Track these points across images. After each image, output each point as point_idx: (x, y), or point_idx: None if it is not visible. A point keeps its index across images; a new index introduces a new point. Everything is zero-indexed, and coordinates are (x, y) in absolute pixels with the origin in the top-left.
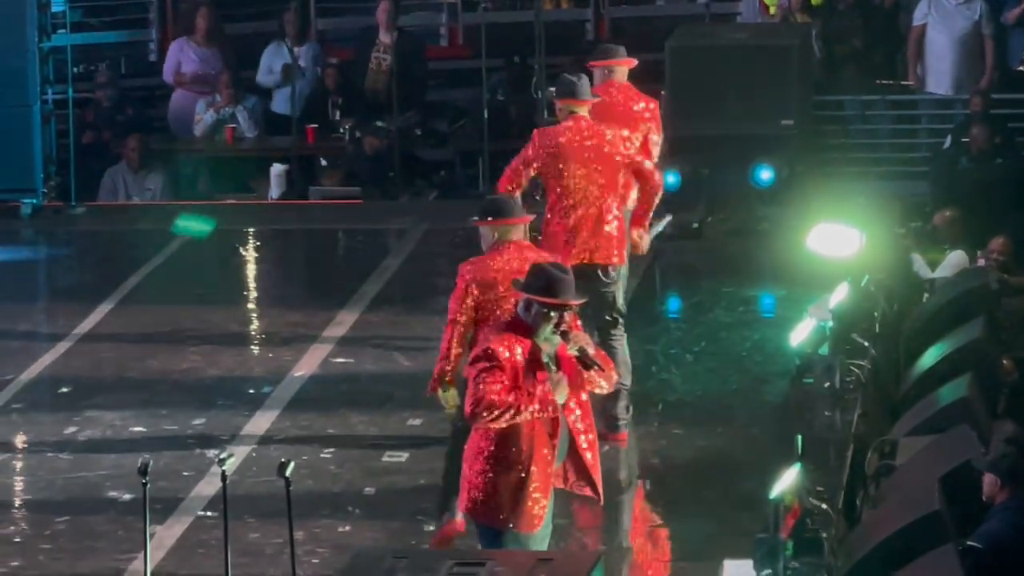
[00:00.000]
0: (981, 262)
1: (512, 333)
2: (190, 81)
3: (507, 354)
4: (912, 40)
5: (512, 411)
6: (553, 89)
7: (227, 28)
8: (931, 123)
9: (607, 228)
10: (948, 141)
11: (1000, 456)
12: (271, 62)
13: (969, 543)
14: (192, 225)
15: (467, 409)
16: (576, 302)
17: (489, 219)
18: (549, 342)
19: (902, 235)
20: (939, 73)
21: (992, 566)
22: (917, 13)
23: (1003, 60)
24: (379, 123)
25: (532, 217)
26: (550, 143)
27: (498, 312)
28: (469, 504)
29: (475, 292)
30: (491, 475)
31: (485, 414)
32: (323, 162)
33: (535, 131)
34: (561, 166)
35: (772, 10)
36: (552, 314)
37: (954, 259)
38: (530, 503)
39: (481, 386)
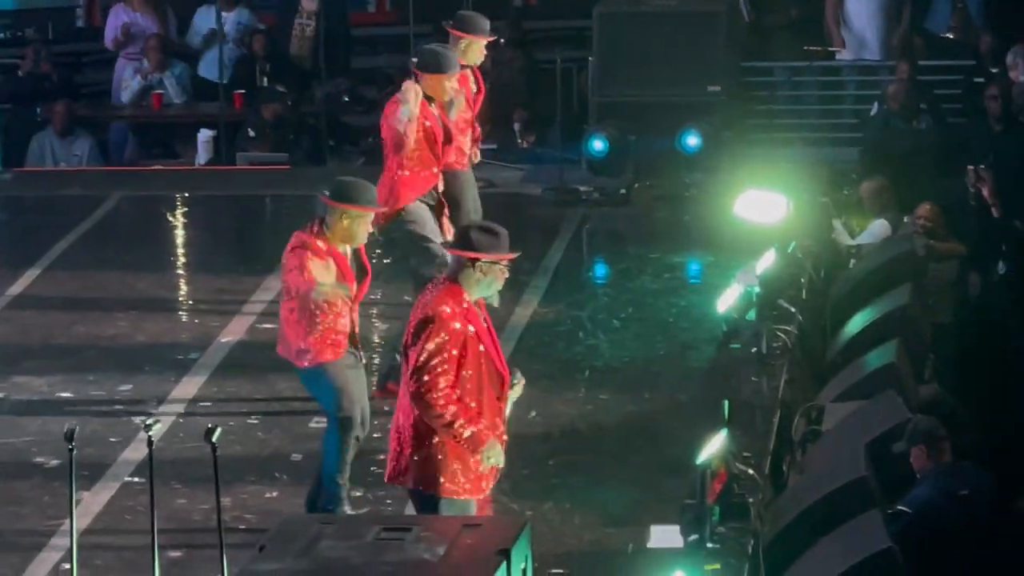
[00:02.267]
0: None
1: (454, 300)
2: (130, 46)
3: (458, 325)
4: (830, 6)
5: (456, 426)
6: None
7: None
8: (858, 89)
9: None
10: (875, 108)
11: (917, 423)
12: (201, 27)
13: (898, 507)
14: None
15: (418, 391)
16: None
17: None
18: (489, 296)
19: (827, 203)
20: (866, 38)
21: (921, 531)
22: None
23: (929, 26)
24: (279, 88)
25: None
26: None
27: None
28: (406, 472)
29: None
30: (435, 440)
31: (434, 412)
32: (251, 132)
33: None
34: None
35: None
36: (503, 271)
37: (876, 228)
38: (473, 466)
39: (440, 380)
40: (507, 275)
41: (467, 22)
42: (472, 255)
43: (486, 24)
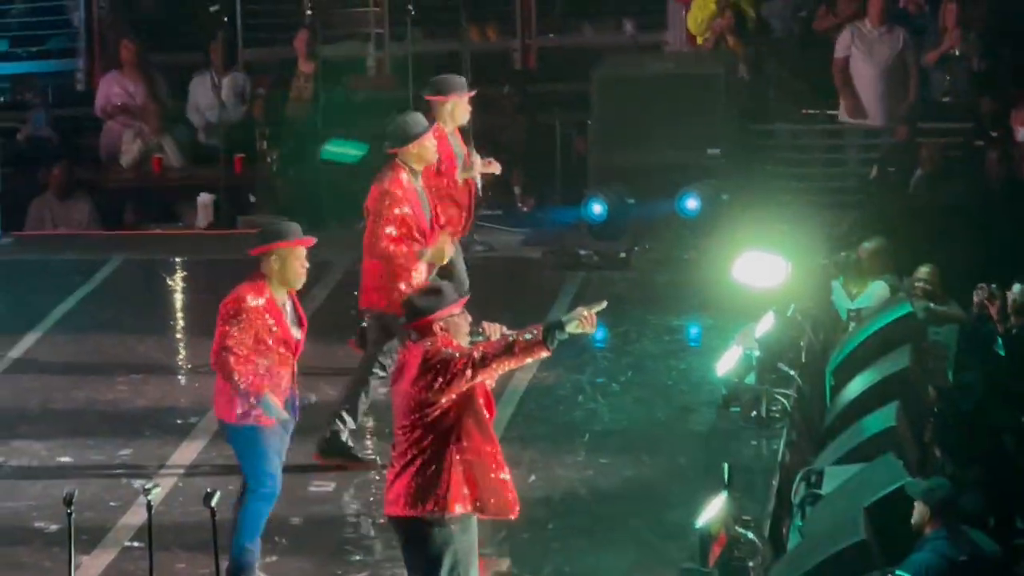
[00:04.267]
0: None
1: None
2: (119, 113)
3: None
4: (836, 72)
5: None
6: None
7: (156, 58)
8: (858, 153)
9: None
10: (874, 171)
11: (934, 487)
12: (197, 93)
13: (898, 572)
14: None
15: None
16: (465, 297)
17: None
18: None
19: (827, 265)
20: (866, 103)
21: None
22: (839, 45)
23: (926, 90)
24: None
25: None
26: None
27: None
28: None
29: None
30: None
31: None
32: (251, 198)
33: None
34: None
35: (700, 40)
36: (464, 316)
37: (876, 290)
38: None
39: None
40: (469, 320)
41: (445, 84)
42: (424, 320)
43: (463, 81)
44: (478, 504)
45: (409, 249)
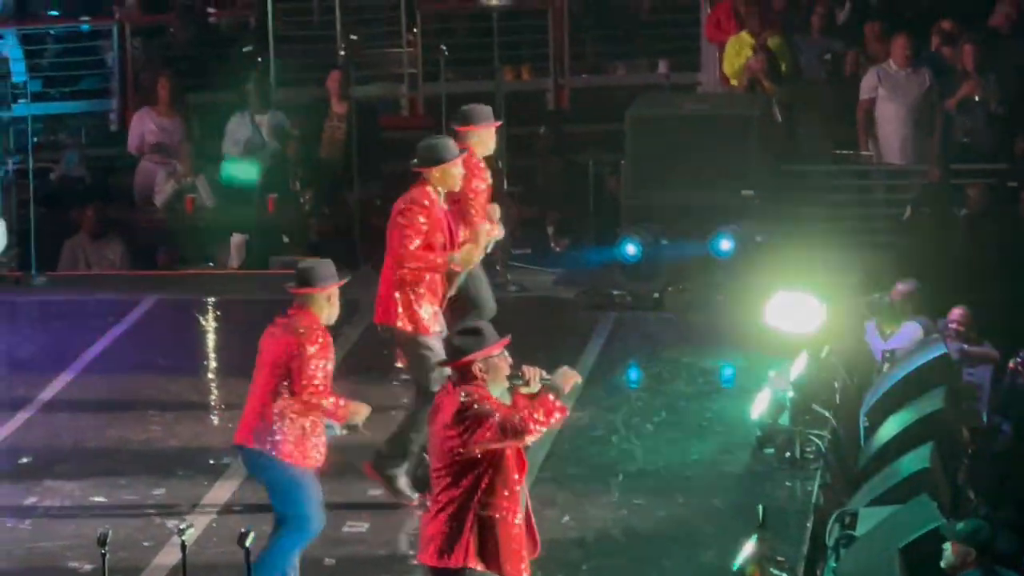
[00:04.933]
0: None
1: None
2: (152, 151)
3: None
4: (861, 113)
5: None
6: None
7: (189, 98)
8: (890, 194)
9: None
10: (908, 211)
11: (978, 528)
12: (235, 132)
13: None
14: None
15: (526, 425)
16: (505, 339)
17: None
18: (509, 390)
19: (861, 306)
20: (895, 143)
21: None
22: (864, 87)
23: (950, 132)
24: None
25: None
26: None
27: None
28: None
29: None
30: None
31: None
32: (284, 238)
33: None
34: None
35: (733, 80)
36: (505, 359)
37: (909, 330)
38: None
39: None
40: (509, 362)
41: (473, 114)
42: (463, 361)
43: (490, 111)
44: (494, 566)
45: (436, 254)
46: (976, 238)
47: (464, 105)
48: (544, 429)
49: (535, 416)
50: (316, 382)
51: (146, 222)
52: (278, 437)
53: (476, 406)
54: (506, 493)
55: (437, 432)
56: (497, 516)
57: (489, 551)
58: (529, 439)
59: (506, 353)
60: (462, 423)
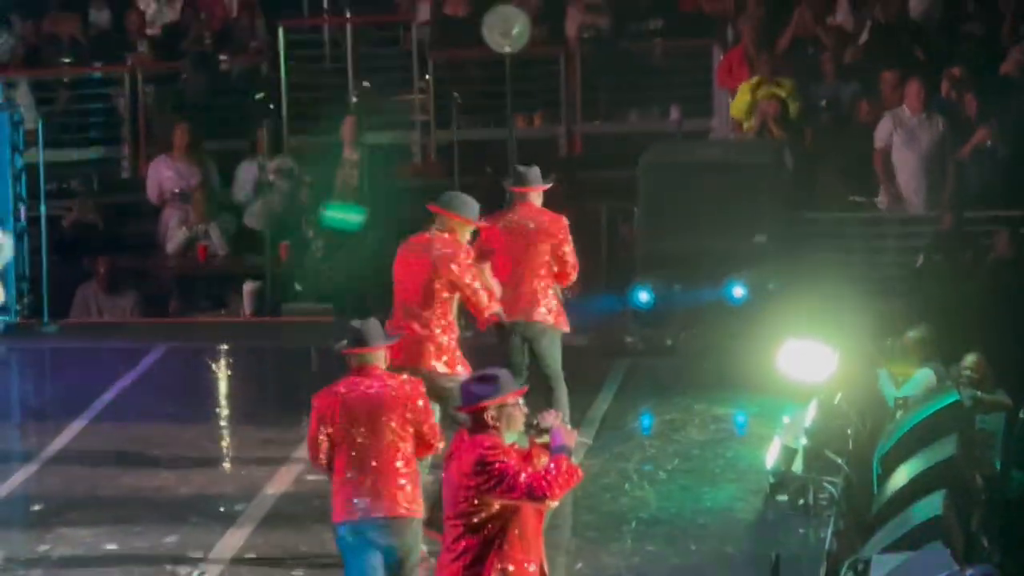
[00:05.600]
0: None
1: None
2: (172, 199)
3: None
4: (878, 162)
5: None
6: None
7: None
8: (903, 241)
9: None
10: (920, 259)
11: (987, 574)
12: (245, 179)
13: None
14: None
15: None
16: (523, 388)
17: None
18: (523, 437)
19: (874, 352)
20: (908, 190)
21: None
22: (879, 135)
23: (970, 177)
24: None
25: (392, 342)
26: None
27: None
28: None
29: (327, 424)
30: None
31: (557, 491)
32: (297, 287)
33: None
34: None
35: (745, 126)
36: (520, 408)
37: (921, 377)
38: None
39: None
40: (524, 412)
41: (525, 176)
42: (475, 407)
43: (538, 174)
44: None
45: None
46: (1000, 285)
47: (479, 162)
48: (558, 496)
49: (559, 481)
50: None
51: (158, 269)
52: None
53: (500, 463)
54: (523, 543)
55: (452, 479)
56: (512, 568)
57: None
58: (552, 504)
59: (522, 403)
60: (483, 475)
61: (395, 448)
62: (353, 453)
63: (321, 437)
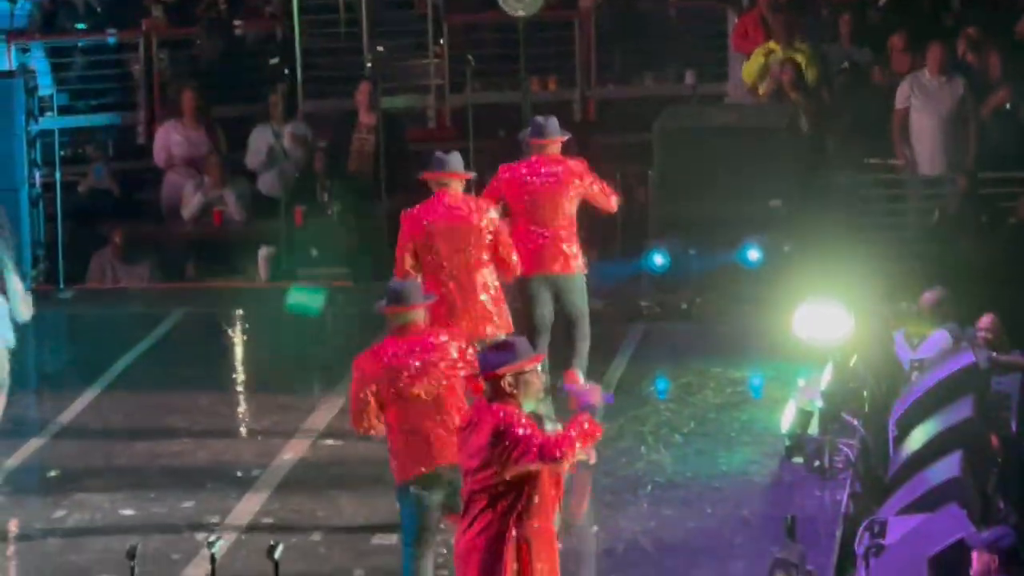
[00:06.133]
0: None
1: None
2: (179, 164)
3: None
4: (896, 123)
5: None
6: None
7: (216, 110)
8: (920, 203)
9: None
10: (936, 215)
11: (1002, 536)
12: (259, 145)
13: None
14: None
15: (553, 457)
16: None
17: (386, 306)
18: (538, 405)
19: (889, 315)
20: (927, 153)
21: None
22: (899, 96)
23: (987, 140)
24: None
25: (429, 301)
26: (416, 223)
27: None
28: None
29: (371, 385)
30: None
31: (568, 455)
32: (314, 252)
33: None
34: (432, 243)
35: (755, 87)
36: (538, 375)
37: (937, 339)
38: None
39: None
40: (541, 379)
41: (544, 128)
42: (492, 374)
43: (557, 125)
44: None
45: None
46: (1020, 248)
47: (494, 127)
48: (581, 452)
49: (572, 441)
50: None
51: (174, 235)
52: None
53: (516, 430)
54: (542, 508)
55: (471, 449)
56: (532, 537)
57: (524, 570)
58: (567, 464)
59: (539, 370)
60: (500, 444)
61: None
62: (406, 411)
63: (368, 397)
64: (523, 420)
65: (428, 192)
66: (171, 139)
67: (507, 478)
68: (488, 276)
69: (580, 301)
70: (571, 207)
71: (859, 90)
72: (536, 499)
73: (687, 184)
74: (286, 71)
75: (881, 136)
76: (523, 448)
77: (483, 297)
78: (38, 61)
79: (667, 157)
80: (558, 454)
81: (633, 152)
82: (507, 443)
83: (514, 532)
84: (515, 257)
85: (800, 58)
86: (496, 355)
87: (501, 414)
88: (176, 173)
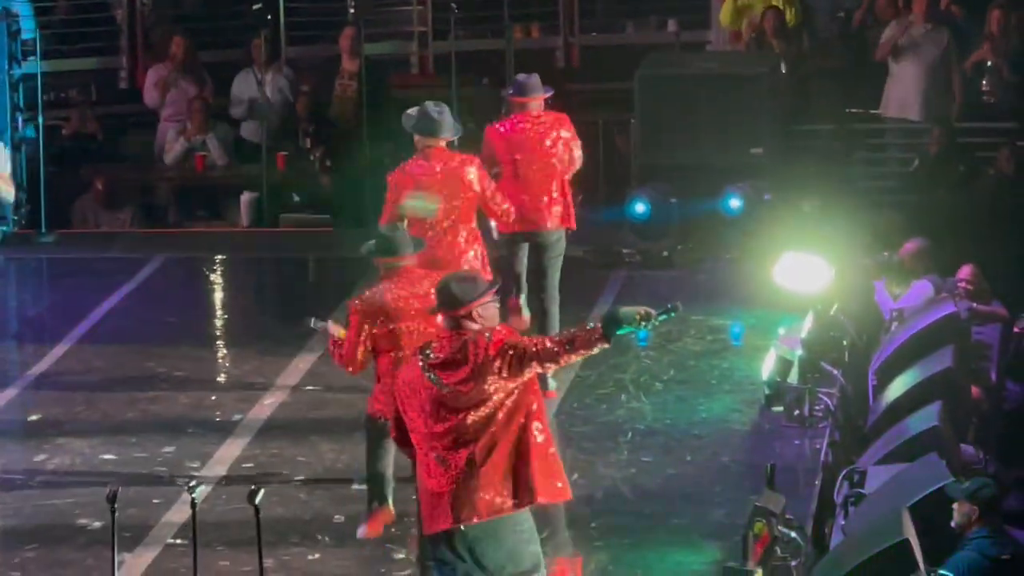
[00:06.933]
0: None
1: None
2: (168, 106)
3: None
4: (881, 54)
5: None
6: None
7: (200, 56)
8: (901, 152)
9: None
10: (915, 163)
11: (981, 486)
12: (241, 90)
13: (941, 572)
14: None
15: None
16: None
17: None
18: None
19: (870, 264)
20: (909, 101)
21: None
22: (884, 34)
23: (971, 91)
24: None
25: (420, 249)
26: (402, 181)
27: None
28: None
29: (367, 327)
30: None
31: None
32: (295, 197)
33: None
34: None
35: (741, 30)
36: (495, 304)
37: (918, 289)
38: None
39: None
40: (497, 306)
41: (525, 85)
42: (464, 308)
43: (539, 82)
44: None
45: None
46: (999, 199)
47: (477, 73)
48: (568, 354)
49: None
50: None
51: (156, 181)
52: None
53: (514, 338)
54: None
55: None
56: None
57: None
58: (563, 360)
59: (496, 299)
60: (504, 356)
61: None
62: (402, 354)
63: (364, 337)
64: (512, 333)
65: (408, 138)
66: (158, 83)
67: (511, 387)
68: (472, 231)
69: (556, 256)
70: (556, 163)
71: (842, 37)
72: (540, 402)
73: (669, 132)
74: (269, 16)
75: (863, 84)
76: (525, 351)
77: (470, 254)
78: (21, 5)
79: (649, 105)
80: (543, 347)
81: (615, 100)
82: (510, 352)
83: (534, 435)
84: (506, 205)
85: (780, 3)
86: (463, 288)
87: (504, 331)
88: (169, 120)
